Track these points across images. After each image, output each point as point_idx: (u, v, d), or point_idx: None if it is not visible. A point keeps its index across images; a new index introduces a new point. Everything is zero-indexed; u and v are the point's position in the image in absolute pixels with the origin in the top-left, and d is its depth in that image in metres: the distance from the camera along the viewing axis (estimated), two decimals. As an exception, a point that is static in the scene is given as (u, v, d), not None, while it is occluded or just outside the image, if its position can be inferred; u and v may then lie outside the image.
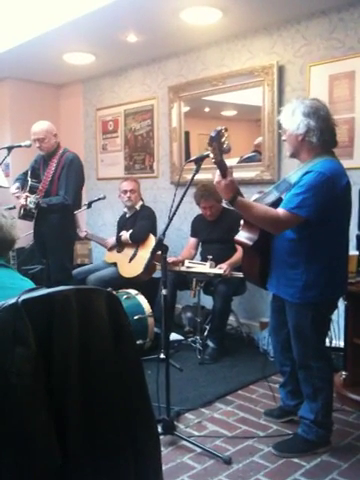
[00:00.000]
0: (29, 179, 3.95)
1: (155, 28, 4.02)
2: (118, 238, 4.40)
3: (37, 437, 1.14)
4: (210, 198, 3.85)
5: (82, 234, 4.51)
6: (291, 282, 2.31)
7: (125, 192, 4.37)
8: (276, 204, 2.31)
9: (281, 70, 3.89)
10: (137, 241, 4.25)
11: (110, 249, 4.50)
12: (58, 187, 3.89)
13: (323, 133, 2.25)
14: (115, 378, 1.32)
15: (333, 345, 3.21)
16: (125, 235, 4.33)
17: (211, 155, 2.13)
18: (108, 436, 1.29)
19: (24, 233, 4.39)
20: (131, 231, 4.28)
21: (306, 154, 2.30)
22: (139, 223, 4.30)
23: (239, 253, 3.67)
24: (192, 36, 4.19)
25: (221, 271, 3.59)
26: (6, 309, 1.14)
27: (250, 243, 2.38)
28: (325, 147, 2.29)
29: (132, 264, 4.22)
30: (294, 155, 2.37)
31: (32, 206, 3.81)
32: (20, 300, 1.15)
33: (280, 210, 2.22)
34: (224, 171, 2.16)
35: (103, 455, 1.26)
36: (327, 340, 2.46)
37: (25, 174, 4.07)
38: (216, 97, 4.42)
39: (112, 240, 4.47)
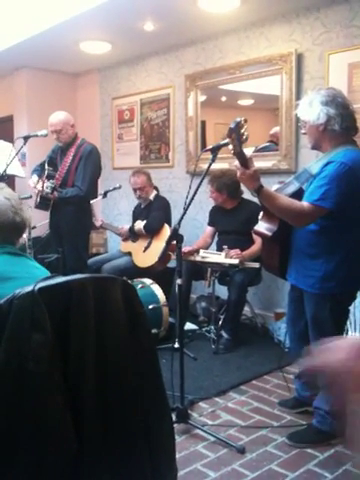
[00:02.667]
0: (46, 167, 3.97)
1: (172, 16, 3.99)
2: (131, 228, 4.40)
3: (53, 422, 1.16)
4: (210, 183, 3.86)
5: (98, 223, 4.53)
6: (310, 272, 2.30)
7: (134, 190, 4.39)
8: (297, 194, 2.30)
9: (300, 58, 3.83)
10: (151, 232, 4.25)
11: (125, 239, 4.51)
12: (75, 178, 3.91)
13: (344, 119, 2.22)
14: (130, 366, 1.33)
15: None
16: (139, 225, 4.33)
17: (230, 146, 2.11)
18: (123, 423, 1.30)
19: (40, 222, 4.44)
20: (145, 222, 4.28)
21: (328, 144, 2.27)
22: (153, 214, 4.29)
23: (256, 246, 3.66)
24: (209, 24, 4.15)
25: (236, 261, 3.58)
26: (23, 297, 1.15)
27: (269, 234, 2.37)
28: (347, 134, 2.26)
29: (146, 254, 4.23)
30: (315, 147, 2.34)
31: (49, 191, 3.82)
32: (36, 288, 1.16)
33: (304, 203, 2.21)
34: (244, 162, 2.15)
35: (118, 441, 1.28)
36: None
37: (42, 165, 4.08)
38: (233, 86, 4.38)
39: (127, 228, 4.47)
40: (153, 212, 4.30)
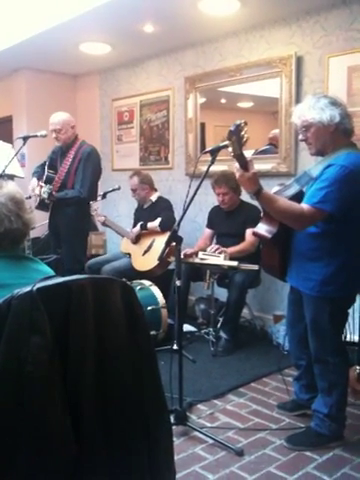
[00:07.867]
0: (46, 169, 3.97)
1: (173, 18, 3.99)
2: (144, 225, 4.29)
3: (52, 425, 1.15)
4: (223, 184, 3.83)
5: (100, 219, 4.48)
6: (310, 275, 2.30)
7: (132, 190, 4.47)
8: (297, 197, 2.29)
9: (299, 61, 3.84)
10: (167, 229, 4.17)
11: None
12: (74, 180, 3.90)
13: (350, 118, 2.25)
14: (129, 368, 1.33)
15: (347, 339, 3.18)
16: (152, 223, 4.25)
17: (230, 149, 2.11)
18: (122, 425, 1.30)
19: (39, 223, 4.43)
20: (160, 219, 4.20)
21: (331, 146, 2.26)
22: (165, 213, 4.25)
23: (243, 244, 3.74)
24: (210, 26, 4.15)
25: (235, 263, 3.57)
26: (21, 297, 1.14)
27: (269, 236, 2.36)
28: (349, 136, 2.27)
29: (145, 257, 4.20)
30: (321, 151, 2.30)
31: (45, 196, 3.83)
32: (35, 288, 1.15)
33: (304, 205, 2.20)
34: (244, 164, 2.15)
35: (117, 444, 1.27)
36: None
37: (42, 166, 4.07)
38: (233, 88, 4.38)
39: (136, 230, 4.36)
40: (165, 212, 4.26)
